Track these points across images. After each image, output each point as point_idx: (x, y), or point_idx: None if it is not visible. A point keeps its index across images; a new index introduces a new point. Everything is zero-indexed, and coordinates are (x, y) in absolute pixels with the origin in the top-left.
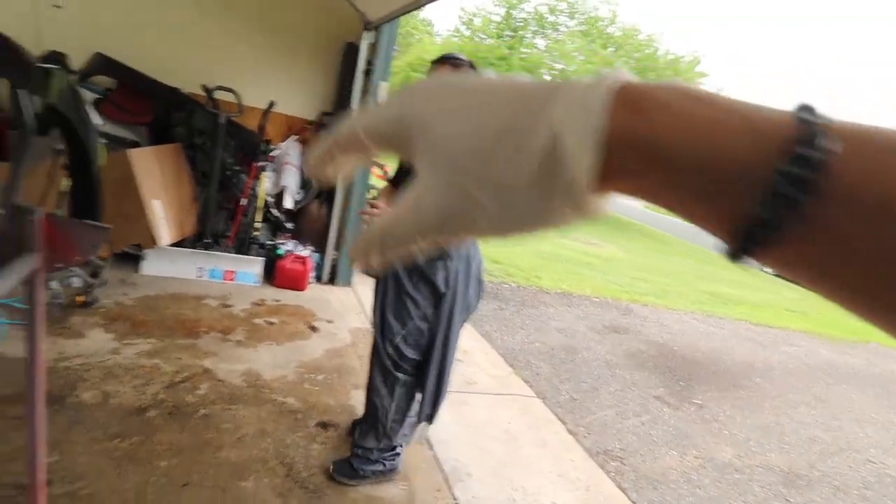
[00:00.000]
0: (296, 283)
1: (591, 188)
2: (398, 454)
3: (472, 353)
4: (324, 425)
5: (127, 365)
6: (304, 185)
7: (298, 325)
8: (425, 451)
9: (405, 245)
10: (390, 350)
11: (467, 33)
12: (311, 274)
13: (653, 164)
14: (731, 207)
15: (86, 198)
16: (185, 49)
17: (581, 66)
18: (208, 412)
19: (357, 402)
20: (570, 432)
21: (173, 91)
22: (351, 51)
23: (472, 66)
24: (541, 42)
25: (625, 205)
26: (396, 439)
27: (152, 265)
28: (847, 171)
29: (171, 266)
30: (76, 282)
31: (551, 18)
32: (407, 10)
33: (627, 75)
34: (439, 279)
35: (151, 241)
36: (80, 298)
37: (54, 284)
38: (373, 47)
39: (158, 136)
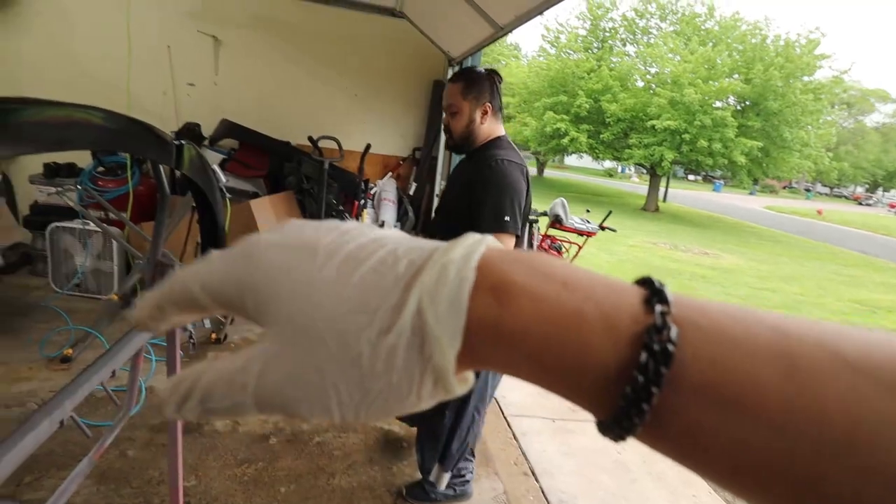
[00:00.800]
0: None
1: (454, 372)
2: (468, 481)
3: None
4: None
5: None
6: (401, 218)
7: None
8: (530, 482)
9: (219, 412)
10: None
11: (553, 52)
12: None
13: (514, 353)
14: (592, 403)
15: (212, 249)
16: (293, 107)
17: (677, 68)
18: (321, 440)
19: None
20: None
21: (285, 145)
22: (438, 88)
23: (491, 74)
24: (631, 49)
25: (738, 206)
26: (462, 466)
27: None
28: (694, 362)
29: None
30: (206, 323)
31: (642, 23)
32: (485, 44)
33: (492, 243)
34: None
35: None
36: (214, 336)
37: (189, 326)
38: None
39: (274, 185)
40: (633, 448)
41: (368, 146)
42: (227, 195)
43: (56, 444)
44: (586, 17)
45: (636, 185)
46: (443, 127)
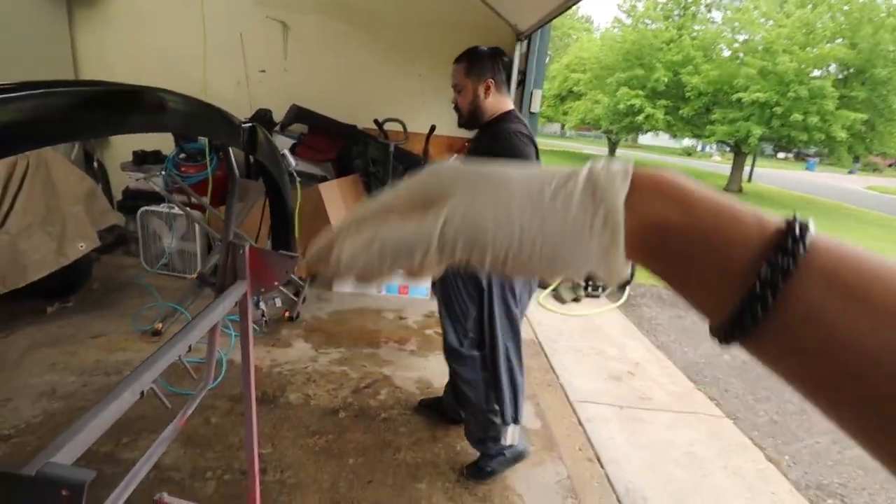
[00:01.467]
0: None
1: (623, 222)
2: (512, 445)
3: (646, 366)
4: None
5: (322, 371)
6: None
7: None
8: (595, 468)
9: (388, 263)
10: (460, 347)
11: (629, 22)
12: None
13: (679, 210)
14: (724, 288)
15: (281, 231)
16: (359, 90)
17: (770, 34)
18: (388, 416)
19: (523, 412)
20: (771, 460)
21: (351, 128)
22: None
23: (494, 52)
24: (717, 15)
25: (835, 187)
26: (502, 434)
27: (341, 283)
28: (826, 254)
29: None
30: (278, 302)
31: None
32: (556, 14)
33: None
34: (480, 274)
35: None
36: (287, 313)
37: (262, 305)
38: (525, 57)
39: (342, 169)
40: (705, 441)
41: (433, 128)
42: (297, 179)
43: (149, 408)
44: None
45: (718, 164)
46: (453, 106)
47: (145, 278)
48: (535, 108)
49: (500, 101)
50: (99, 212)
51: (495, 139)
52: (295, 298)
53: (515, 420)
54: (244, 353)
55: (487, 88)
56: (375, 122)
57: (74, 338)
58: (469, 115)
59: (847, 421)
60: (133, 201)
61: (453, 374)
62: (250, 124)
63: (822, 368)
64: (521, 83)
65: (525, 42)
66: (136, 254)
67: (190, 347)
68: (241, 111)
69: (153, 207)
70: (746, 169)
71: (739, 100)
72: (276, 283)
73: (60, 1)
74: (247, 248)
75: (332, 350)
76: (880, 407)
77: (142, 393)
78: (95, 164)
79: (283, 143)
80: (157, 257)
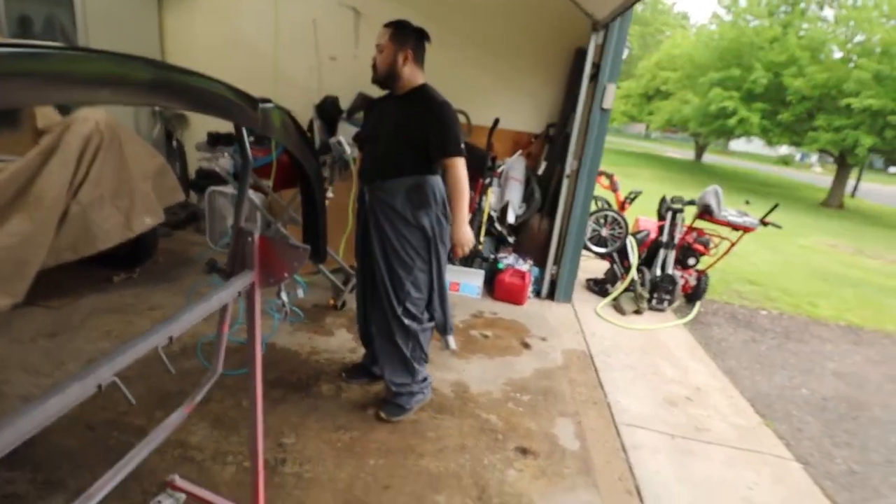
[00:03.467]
0: (514, 297)
1: None
2: (429, 381)
3: (708, 392)
4: (523, 451)
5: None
6: (526, 199)
7: (511, 341)
8: (633, 503)
9: None
10: (403, 302)
11: (728, 18)
12: (530, 288)
13: None
14: None
15: (310, 222)
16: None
17: (890, 35)
18: (416, 418)
19: (562, 431)
20: None
21: None
22: (581, 57)
23: (419, 30)
24: (830, 13)
25: None
26: (425, 370)
27: None
28: None
29: None
30: (300, 292)
31: None
32: (636, 1)
33: None
34: (426, 224)
35: None
36: (332, 301)
37: (283, 295)
38: (600, 48)
39: None
40: (767, 486)
41: (497, 121)
42: (351, 165)
43: (190, 384)
44: None
45: (818, 175)
46: (371, 64)
47: (208, 255)
48: (608, 103)
49: (415, 74)
50: (167, 189)
51: (427, 106)
52: (342, 287)
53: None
54: (250, 344)
55: (406, 58)
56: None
57: (133, 308)
58: (383, 75)
59: None
60: (205, 181)
61: (399, 324)
62: (272, 105)
63: None
64: (595, 77)
65: (601, 33)
66: (205, 231)
67: (171, 339)
68: (311, 97)
69: (220, 188)
70: (851, 182)
71: (848, 106)
72: (285, 275)
73: None
74: (256, 237)
75: None
76: None
77: (99, 386)
78: (174, 143)
79: (348, 131)
80: (222, 235)
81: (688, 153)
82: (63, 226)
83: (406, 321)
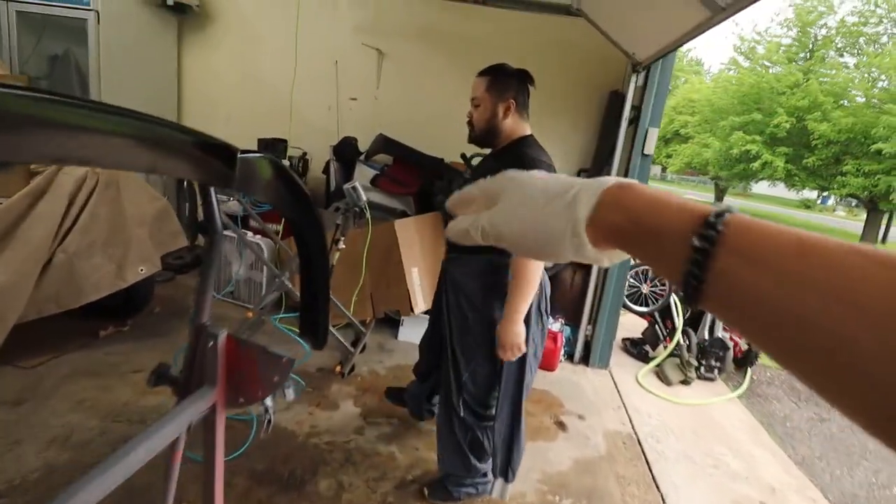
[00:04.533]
0: (545, 362)
1: (585, 224)
2: (489, 480)
3: (785, 493)
4: None
5: (366, 450)
6: None
7: (543, 418)
8: None
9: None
10: (461, 392)
11: (746, 64)
12: (562, 351)
13: (626, 218)
14: (671, 264)
15: (307, 296)
16: (449, 120)
17: None
18: None
19: None
20: None
21: (437, 162)
22: (615, 100)
23: (521, 73)
24: (850, 60)
25: None
26: (487, 466)
27: (407, 332)
28: (738, 235)
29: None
30: (290, 394)
31: (867, 30)
32: (682, 42)
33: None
34: (496, 317)
35: (409, 308)
36: (339, 368)
37: (268, 401)
38: (641, 90)
39: (423, 203)
40: None
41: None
42: (367, 213)
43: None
44: (792, 25)
45: (841, 220)
46: (466, 120)
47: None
48: (649, 149)
49: (518, 125)
50: (167, 234)
51: (513, 165)
52: (351, 350)
53: (504, 475)
54: (208, 486)
55: (507, 109)
56: (462, 156)
57: (116, 370)
58: (482, 133)
59: (776, 354)
60: (211, 224)
61: (447, 404)
62: (257, 156)
63: (748, 318)
64: (635, 120)
65: (643, 74)
66: None
67: None
68: (329, 138)
69: (228, 232)
70: (882, 227)
71: (879, 151)
72: (259, 394)
73: (172, 24)
74: (221, 339)
75: (381, 421)
76: (798, 344)
77: None
78: (185, 182)
79: (366, 174)
80: (227, 284)
81: (707, 195)
82: (46, 275)
83: (462, 412)
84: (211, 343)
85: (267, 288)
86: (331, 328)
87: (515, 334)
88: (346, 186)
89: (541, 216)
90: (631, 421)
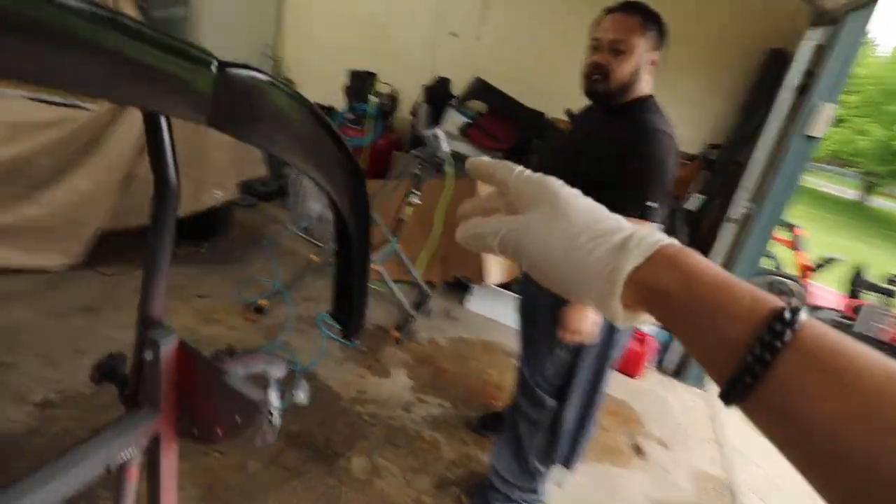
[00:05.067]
0: (627, 366)
1: (623, 281)
2: (539, 499)
3: None
4: None
5: (410, 432)
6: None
7: (617, 436)
8: None
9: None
10: (536, 374)
11: None
12: (651, 358)
13: (682, 284)
14: (724, 357)
15: (342, 279)
16: (557, 71)
17: None
18: None
19: None
20: None
21: (537, 116)
22: (776, 61)
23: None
24: None
25: None
26: (540, 483)
27: (477, 302)
28: (810, 336)
29: (493, 307)
30: (301, 395)
31: None
32: None
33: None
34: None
35: (480, 277)
36: (396, 334)
37: (273, 395)
38: (818, 51)
39: (515, 162)
40: None
41: None
42: (446, 164)
43: None
44: None
45: None
46: (590, 65)
47: (284, 239)
48: (819, 131)
49: (648, 84)
50: (248, 161)
51: (636, 135)
52: (412, 313)
53: (566, 463)
54: None
55: (653, 62)
56: (567, 112)
57: (183, 291)
58: (618, 88)
59: (823, 486)
60: None
61: (529, 394)
62: (259, 75)
63: (800, 434)
64: (804, 90)
65: (828, 30)
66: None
67: None
68: (422, 76)
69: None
70: None
71: None
72: (218, 434)
73: None
74: (166, 349)
75: (432, 400)
76: (848, 471)
77: None
78: None
79: (455, 121)
80: (305, 219)
81: (847, 191)
82: (127, 189)
83: (531, 403)
84: (152, 354)
85: None
86: (392, 286)
87: (583, 319)
88: (427, 132)
89: (576, 251)
90: (727, 463)
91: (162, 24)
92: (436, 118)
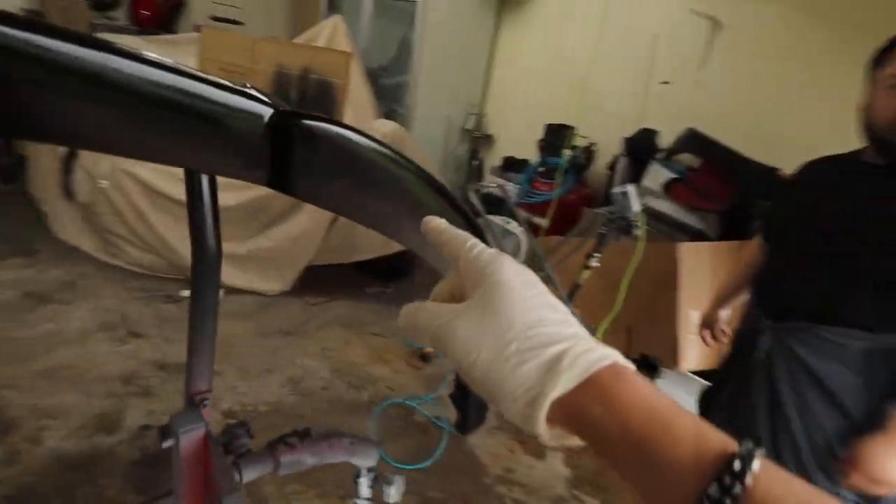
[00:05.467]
0: None
1: (546, 406)
2: None
3: None
4: None
5: None
6: None
7: None
8: None
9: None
10: None
11: None
12: None
13: (615, 421)
14: (671, 498)
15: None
16: (800, 117)
17: None
18: None
19: None
20: None
21: (766, 173)
22: None
23: None
24: None
25: None
26: None
27: (665, 387)
28: (767, 495)
29: (683, 397)
30: (392, 493)
31: None
32: None
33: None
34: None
35: (673, 360)
36: None
37: (364, 485)
38: None
39: (730, 227)
40: None
41: None
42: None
43: None
44: None
45: None
46: (865, 113)
47: None
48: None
49: None
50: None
51: None
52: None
53: None
54: None
55: None
56: (804, 167)
57: (362, 328)
58: None
59: None
60: (486, 206)
61: None
62: (364, 140)
63: None
64: None
65: None
66: None
67: None
68: (624, 128)
69: (493, 217)
70: None
71: None
72: None
73: (492, 3)
74: (186, 440)
75: (591, 501)
76: None
77: None
78: (476, 163)
79: (659, 177)
80: None
81: None
82: (333, 229)
83: None
84: (172, 442)
85: None
86: None
87: (889, 463)
88: (615, 190)
89: (502, 363)
90: None
91: (393, 90)
92: (637, 174)
